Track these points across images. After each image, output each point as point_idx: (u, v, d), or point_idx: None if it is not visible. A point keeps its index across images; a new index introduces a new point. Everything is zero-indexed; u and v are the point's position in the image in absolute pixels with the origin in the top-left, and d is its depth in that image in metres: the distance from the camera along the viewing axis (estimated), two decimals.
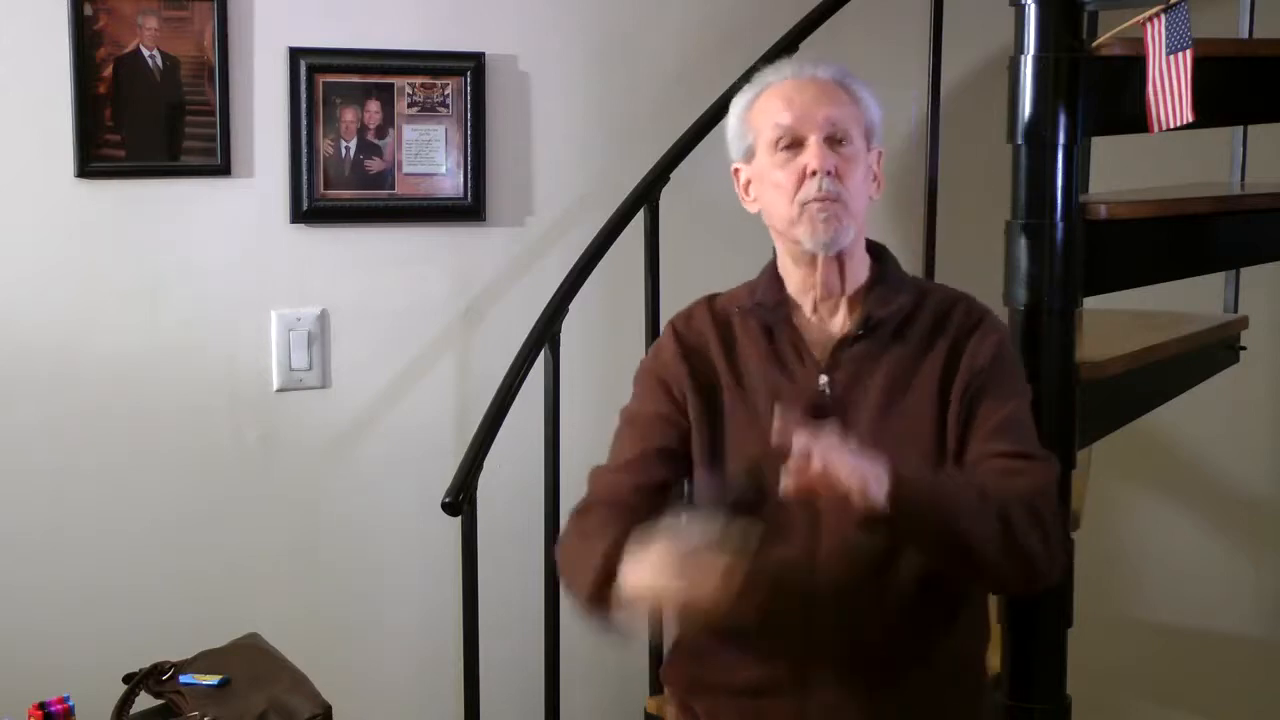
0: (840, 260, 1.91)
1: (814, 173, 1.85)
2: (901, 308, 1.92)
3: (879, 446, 1.80)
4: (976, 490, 1.77)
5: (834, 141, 1.88)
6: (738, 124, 1.96)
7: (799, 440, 1.64)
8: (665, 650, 2.07)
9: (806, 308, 1.95)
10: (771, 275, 1.99)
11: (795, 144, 1.88)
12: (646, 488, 1.93)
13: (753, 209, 1.98)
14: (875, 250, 1.99)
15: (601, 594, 1.80)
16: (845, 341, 1.91)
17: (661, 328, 2.72)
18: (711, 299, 2.04)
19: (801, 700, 1.86)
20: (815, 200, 1.86)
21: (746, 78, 2.68)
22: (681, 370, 1.95)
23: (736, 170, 1.98)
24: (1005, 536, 1.74)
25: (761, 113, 1.92)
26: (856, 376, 1.89)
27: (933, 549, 1.78)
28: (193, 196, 2.70)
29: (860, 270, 1.94)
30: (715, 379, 1.94)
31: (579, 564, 1.86)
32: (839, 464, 1.64)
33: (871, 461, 1.67)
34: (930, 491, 1.73)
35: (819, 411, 1.87)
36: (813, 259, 1.90)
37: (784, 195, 1.88)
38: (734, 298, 2.02)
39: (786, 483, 1.65)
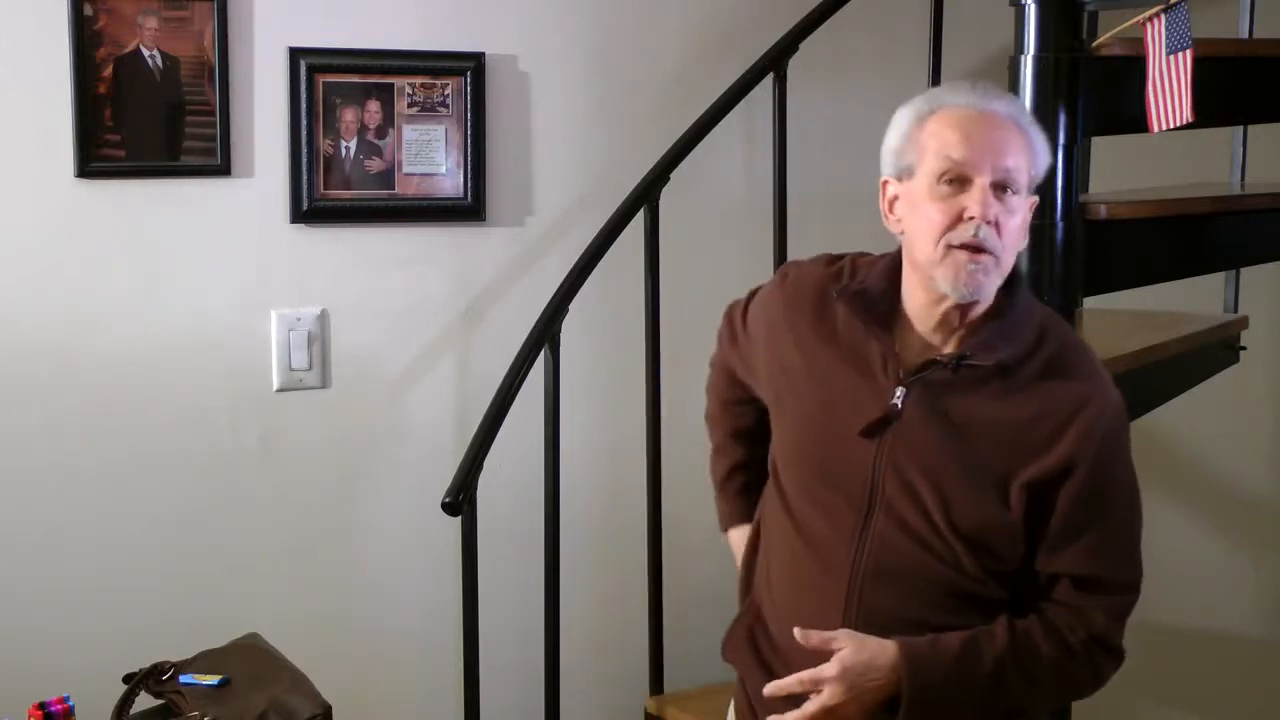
0: (969, 307, 1.81)
1: (972, 218, 1.74)
2: (1000, 360, 1.79)
3: (929, 483, 1.78)
4: (1007, 663, 1.78)
5: (1000, 188, 1.76)
6: (901, 140, 1.83)
7: (803, 674, 1.75)
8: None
9: (914, 324, 1.84)
10: (890, 268, 1.88)
11: (960, 181, 1.76)
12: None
13: (894, 229, 1.86)
14: (1009, 278, 1.84)
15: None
16: (934, 364, 1.81)
17: (662, 327, 2.75)
18: (833, 261, 1.96)
19: None
20: (966, 248, 1.75)
21: (751, 80, 2.72)
22: (774, 321, 1.96)
23: (885, 183, 1.86)
24: (1050, 694, 1.87)
25: (933, 136, 1.79)
26: (933, 402, 1.80)
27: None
28: (193, 196, 2.70)
29: (983, 308, 1.82)
30: (798, 345, 1.90)
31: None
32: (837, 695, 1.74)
33: (867, 666, 1.74)
34: (946, 688, 1.76)
35: (885, 423, 1.81)
36: (943, 299, 1.79)
37: (933, 231, 1.76)
38: (853, 268, 1.92)
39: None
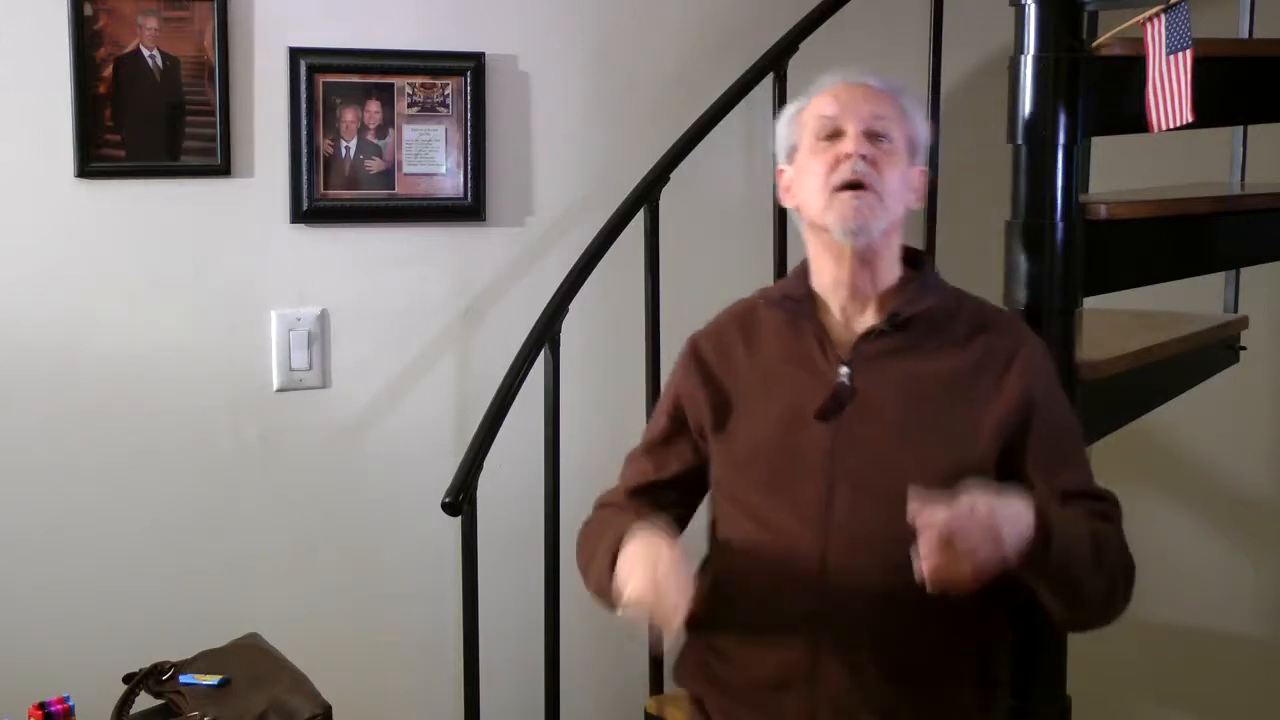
0: (870, 261, 1.91)
1: (848, 155, 1.86)
2: (931, 308, 1.91)
3: (902, 441, 1.83)
4: (1093, 546, 1.80)
5: (874, 136, 1.88)
6: (786, 126, 1.98)
7: (928, 518, 1.64)
8: (670, 650, 2.06)
9: (834, 307, 1.95)
10: (800, 272, 2.00)
11: (835, 134, 1.90)
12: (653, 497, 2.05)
13: (790, 203, 1.98)
14: (913, 257, 1.99)
15: (603, 590, 1.89)
16: (868, 335, 1.91)
17: (662, 327, 2.75)
18: (743, 301, 2.07)
19: (813, 694, 1.86)
20: (847, 186, 1.86)
21: (751, 80, 2.72)
22: (686, 384, 2.01)
23: (780, 172, 2.00)
24: (1108, 596, 1.85)
25: (809, 113, 1.94)
26: (879, 371, 1.88)
27: (1046, 589, 1.80)
28: (193, 196, 2.70)
29: (891, 272, 1.95)
30: (731, 372, 1.97)
31: (589, 560, 1.99)
32: (969, 537, 1.63)
33: (1009, 509, 1.68)
34: (1064, 540, 1.74)
35: (837, 402, 1.87)
36: (841, 253, 1.90)
37: (817, 181, 1.89)
38: (765, 293, 2.04)
39: (921, 567, 1.65)
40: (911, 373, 1.88)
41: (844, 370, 1.89)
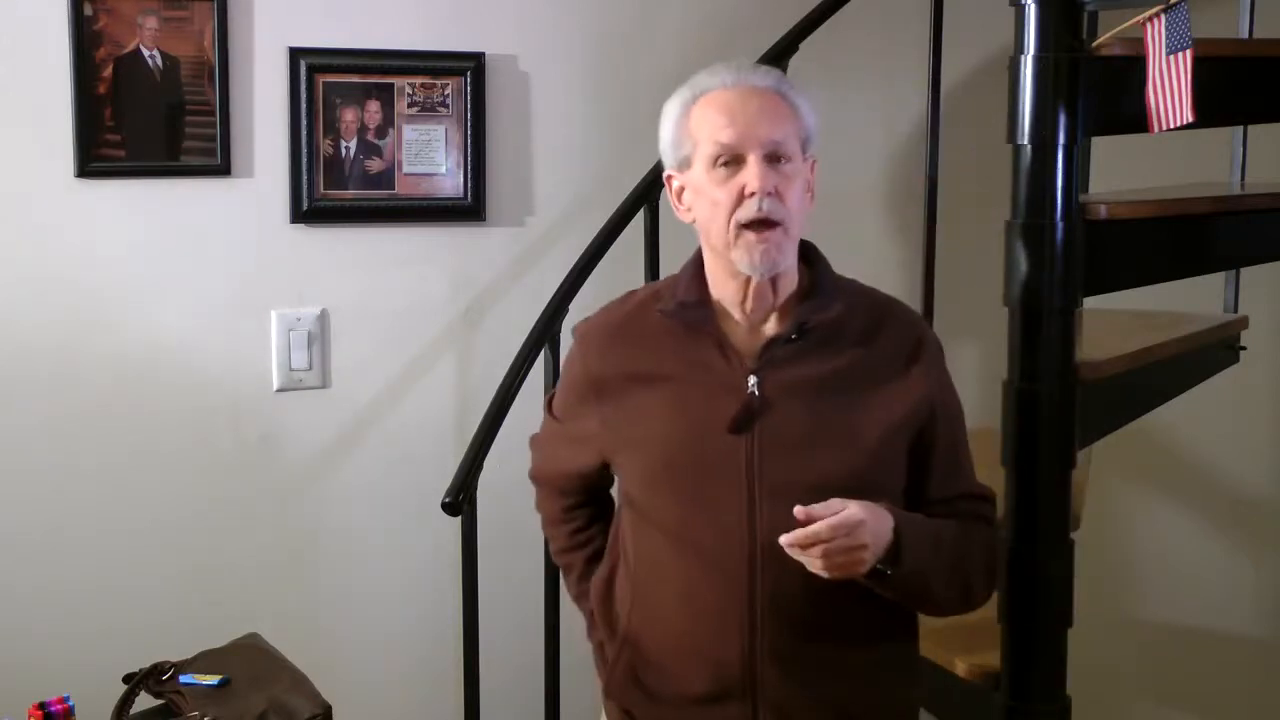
0: (774, 279, 1.88)
1: (753, 194, 1.81)
2: (835, 315, 1.90)
3: (813, 447, 1.84)
4: (950, 558, 1.87)
5: (774, 159, 1.83)
6: (674, 131, 1.90)
7: (833, 518, 1.72)
8: (602, 662, 2.06)
9: (736, 315, 1.91)
10: (695, 275, 1.94)
11: (734, 161, 1.83)
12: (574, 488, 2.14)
13: (686, 218, 1.93)
14: (806, 251, 1.95)
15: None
16: (775, 343, 1.88)
17: None
18: (628, 296, 2.03)
19: (752, 703, 1.86)
20: (753, 226, 1.82)
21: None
22: (578, 402, 1.99)
23: (669, 177, 1.93)
24: (962, 598, 1.92)
25: (700, 123, 1.86)
26: (787, 378, 1.87)
27: (901, 598, 1.88)
28: (193, 196, 2.70)
29: (791, 278, 1.91)
30: (630, 383, 1.93)
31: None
32: (861, 537, 1.74)
33: (878, 522, 1.76)
34: (920, 560, 1.82)
35: (749, 412, 1.86)
36: (746, 277, 1.87)
37: (721, 213, 1.83)
38: (655, 295, 1.98)
39: (817, 564, 1.74)
40: (818, 375, 1.87)
41: (752, 380, 1.86)
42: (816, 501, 1.77)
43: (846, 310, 1.91)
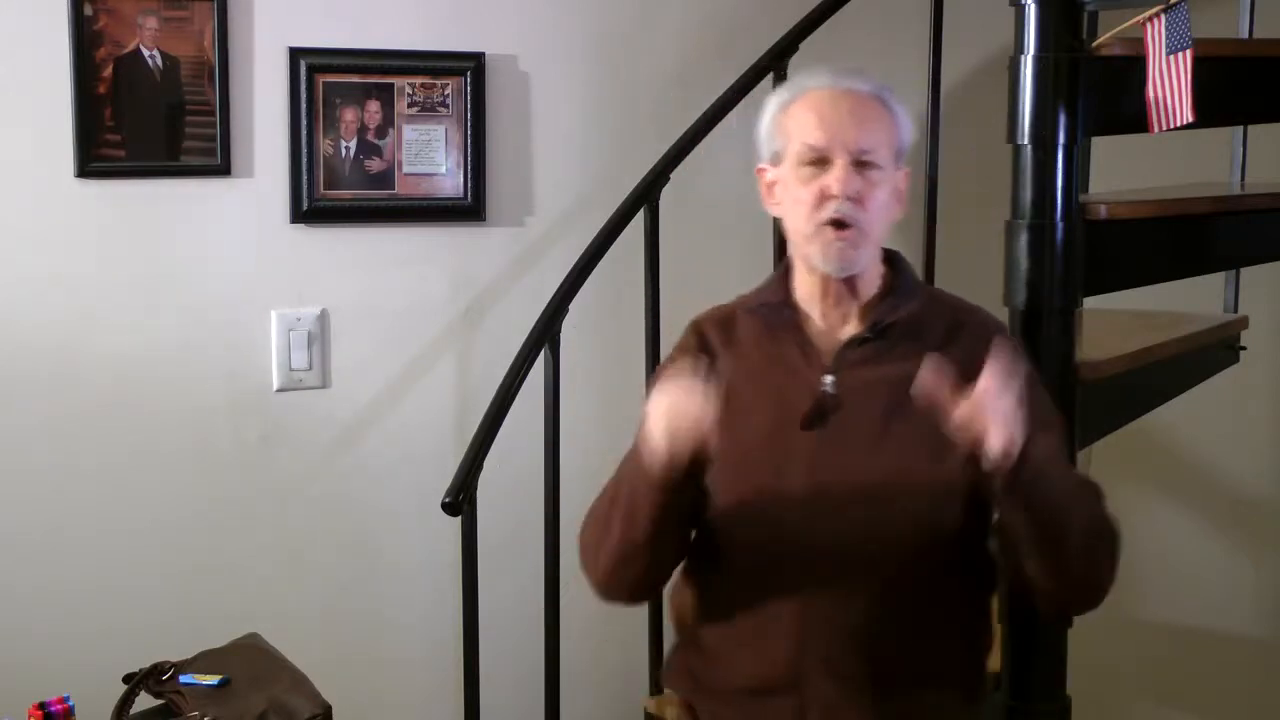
0: (852, 281, 1.91)
1: (834, 197, 1.84)
2: (911, 314, 1.91)
3: (885, 449, 1.83)
4: (1076, 486, 1.83)
5: (861, 165, 1.85)
6: (770, 126, 1.94)
7: (989, 381, 1.66)
8: (666, 651, 2.07)
9: (815, 315, 1.94)
10: (781, 277, 1.99)
11: (821, 162, 1.86)
12: None
13: (774, 212, 1.98)
14: (890, 257, 1.98)
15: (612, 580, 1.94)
16: (852, 343, 1.90)
17: (662, 327, 2.75)
18: (721, 306, 2.05)
19: (801, 700, 1.86)
20: (832, 224, 1.85)
21: (751, 80, 2.72)
22: (688, 373, 1.92)
23: (761, 170, 1.97)
24: (1089, 545, 1.82)
25: (794, 120, 1.90)
26: (862, 378, 1.88)
27: (1038, 518, 1.77)
28: (193, 196, 2.70)
29: (872, 282, 1.94)
30: (718, 376, 1.91)
31: (598, 551, 1.96)
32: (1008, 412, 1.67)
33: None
34: (1053, 469, 1.77)
35: (821, 410, 1.87)
36: (825, 276, 1.91)
37: (803, 211, 1.87)
38: (743, 299, 2.03)
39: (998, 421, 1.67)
40: (893, 379, 1.87)
41: (828, 378, 1.89)
42: (879, 503, 1.79)
43: (923, 312, 1.92)
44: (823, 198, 1.85)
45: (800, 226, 1.89)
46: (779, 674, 1.86)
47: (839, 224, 1.85)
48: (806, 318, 1.94)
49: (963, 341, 1.90)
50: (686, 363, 1.93)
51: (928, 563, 1.84)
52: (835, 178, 1.84)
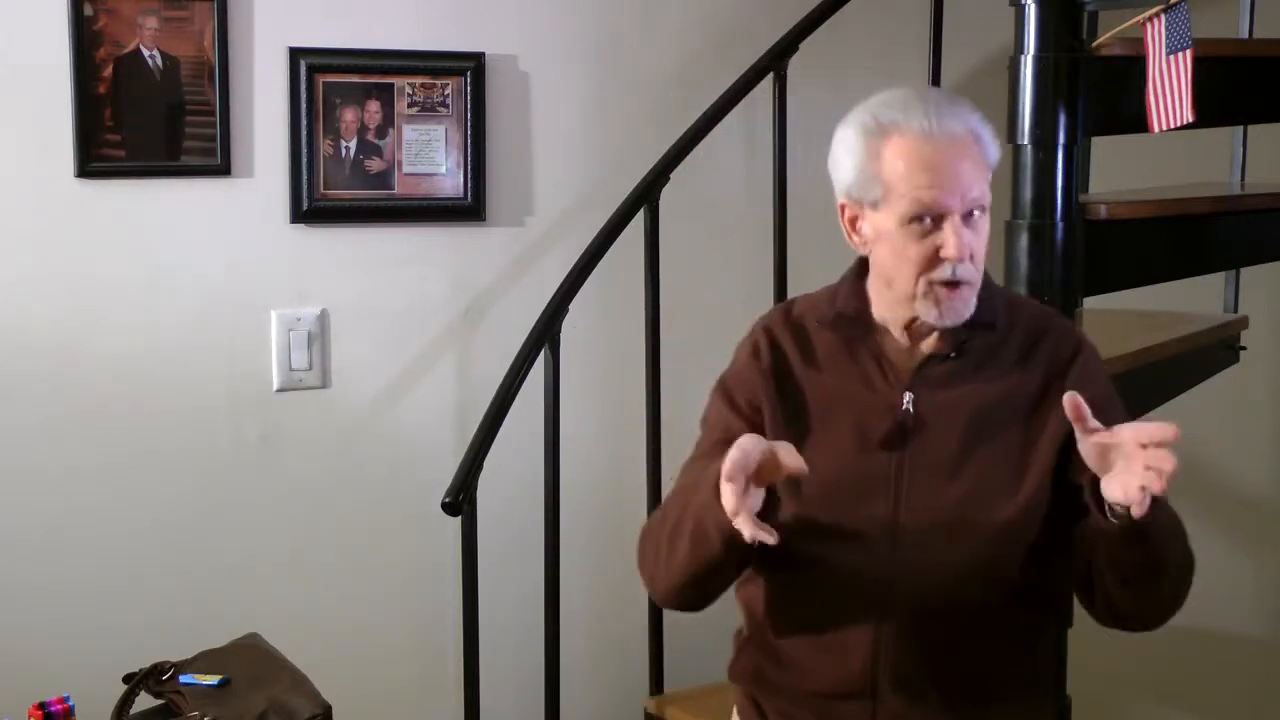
0: None
1: (950, 259, 1.74)
2: (993, 334, 1.84)
3: (965, 469, 1.79)
4: (1173, 523, 1.83)
5: (969, 215, 1.76)
6: (860, 169, 1.79)
7: (1145, 433, 1.66)
8: (736, 644, 2.03)
9: (895, 331, 1.85)
10: (855, 287, 1.88)
11: (933, 219, 1.75)
12: None
13: (862, 251, 1.85)
14: None
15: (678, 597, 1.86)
16: (932, 360, 1.83)
17: (662, 327, 2.75)
18: (789, 306, 1.95)
19: (873, 708, 1.83)
20: (946, 285, 1.76)
21: (750, 80, 2.71)
22: (756, 383, 1.87)
23: (843, 205, 1.84)
24: (1179, 586, 1.83)
25: (896, 171, 1.76)
26: (943, 397, 1.82)
27: (1145, 555, 1.77)
28: (193, 196, 2.70)
29: None
30: (797, 389, 1.87)
31: (664, 570, 1.85)
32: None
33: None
34: (1169, 518, 1.77)
35: (902, 430, 1.81)
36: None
37: (910, 269, 1.77)
38: (813, 306, 1.92)
39: (1163, 469, 1.68)
40: (973, 397, 1.81)
41: (908, 396, 1.82)
42: (959, 529, 1.75)
43: (1005, 326, 1.85)
44: (936, 258, 1.75)
45: (907, 285, 1.77)
46: (853, 682, 1.83)
47: (954, 283, 1.76)
48: (885, 333, 1.85)
49: (1043, 353, 1.84)
50: (751, 370, 1.87)
51: (1003, 588, 1.80)
52: (951, 241, 1.74)
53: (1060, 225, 2.25)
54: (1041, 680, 1.92)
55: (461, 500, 2.46)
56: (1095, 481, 1.68)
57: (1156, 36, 2.09)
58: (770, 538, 1.61)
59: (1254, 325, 2.93)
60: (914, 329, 1.83)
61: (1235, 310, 2.98)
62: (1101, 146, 2.89)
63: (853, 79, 3.06)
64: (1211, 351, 2.78)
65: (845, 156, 1.81)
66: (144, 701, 2.11)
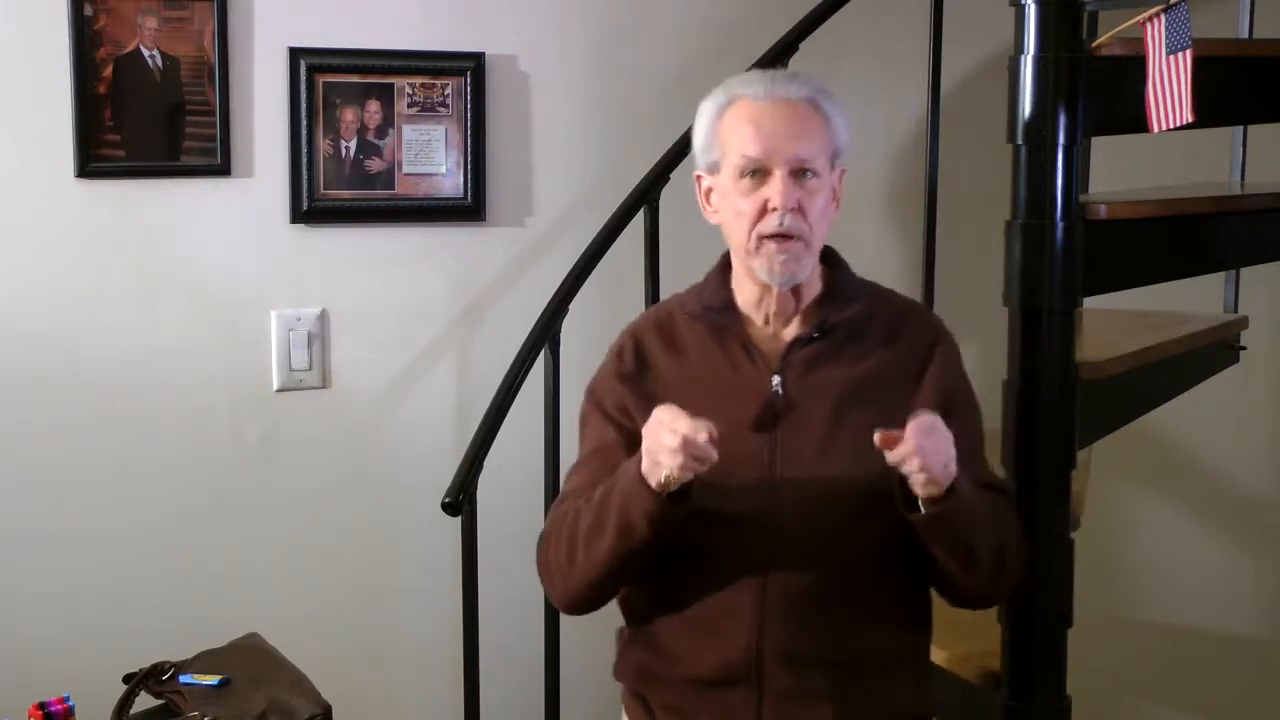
0: (795, 287, 1.92)
1: (775, 209, 1.85)
2: (854, 315, 1.93)
3: (834, 447, 1.86)
4: (989, 516, 1.87)
5: (800, 174, 1.86)
6: (706, 134, 1.94)
7: (915, 423, 1.72)
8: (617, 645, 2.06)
9: (758, 318, 1.95)
10: (719, 278, 1.99)
11: (760, 173, 1.87)
12: None
13: (712, 219, 1.97)
14: (827, 256, 1.98)
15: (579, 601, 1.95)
16: (797, 343, 1.92)
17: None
18: (659, 306, 2.06)
19: (759, 689, 1.87)
20: (774, 238, 1.86)
21: None
22: (620, 390, 1.96)
23: (699, 177, 1.97)
24: (995, 565, 1.89)
25: (730, 131, 1.90)
26: (809, 378, 1.90)
27: (947, 548, 1.84)
28: (193, 196, 2.70)
29: (814, 284, 1.95)
30: (663, 384, 1.93)
31: (568, 572, 1.92)
32: (944, 432, 1.74)
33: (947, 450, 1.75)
34: (970, 499, 1.81)
35: (772, 411, 1.88)
36: (767, 285, 1.91)
37: (744, 224, 1.88)
38: (682, 302, 2.02)
39: (915, 465, 1.72)
40: (839, 377, 1.90)
41: (776, 379, 1.90)
42: (830, 500, 1.82)
43: (866, 310, 1.94)
44: (764, 210, 1.86)
45: (742, 240, 1.89)
46: (737, 664, 1.87)
47: (782, 236, 1.86)
48: (749, 321, 1.95)
49: (905, 340, 1.94)
50: (614, 378, 1.96)
51: (876, 555, 1.87)
52: (776, 190, 1.85)
53: (1060, 225, 2.24)
54: (918, 656, 1.99)
55: (461, 500, 2.46)
56: (902, 480, 1.78)
57: (1156, 36, 2.09)
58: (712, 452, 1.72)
59: (1254, 325, 2.93)
60: (775, 315, 1.92)
61: (1235, 310, 2.98)
62: (1101, 146, 2.88)
63: (853, 79, 3.07)
64: (1211, 351, 2.78)
65: (699, 130, 1.96)
66: (144, 701, 2.12)
